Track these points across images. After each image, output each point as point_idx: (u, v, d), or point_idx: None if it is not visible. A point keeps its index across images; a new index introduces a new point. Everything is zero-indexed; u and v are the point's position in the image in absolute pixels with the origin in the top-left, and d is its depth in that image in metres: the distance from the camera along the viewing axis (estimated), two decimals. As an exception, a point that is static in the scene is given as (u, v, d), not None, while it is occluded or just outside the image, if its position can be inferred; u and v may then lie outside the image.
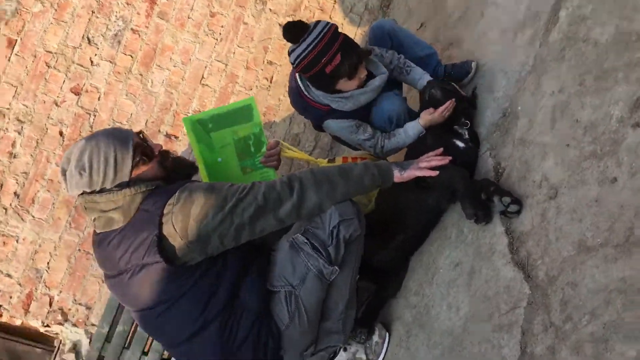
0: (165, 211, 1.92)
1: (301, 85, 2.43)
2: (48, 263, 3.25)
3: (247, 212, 1.94)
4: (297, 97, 2.50)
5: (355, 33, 3.98)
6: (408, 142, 2.41)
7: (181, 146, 3.47)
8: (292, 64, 2.34)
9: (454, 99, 2.29)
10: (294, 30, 2.28)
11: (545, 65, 2.12)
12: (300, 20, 2.30)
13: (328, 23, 2.30)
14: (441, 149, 2.17)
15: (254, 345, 2.01)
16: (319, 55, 2.25)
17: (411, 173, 2.15)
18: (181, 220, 1.91)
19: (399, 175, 2.15)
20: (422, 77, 2.48)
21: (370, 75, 2.42)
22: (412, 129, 2.39)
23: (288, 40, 2.31)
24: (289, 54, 2.34)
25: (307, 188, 2.02)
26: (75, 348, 3.26)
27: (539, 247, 1.76)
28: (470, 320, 1.90)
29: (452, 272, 2.10)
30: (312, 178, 2.04)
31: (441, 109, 2.29)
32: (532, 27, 2.29)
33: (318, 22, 2.31)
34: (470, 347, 1.84)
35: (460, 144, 2.27)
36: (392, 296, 2.40)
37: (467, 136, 2.29)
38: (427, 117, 2.33)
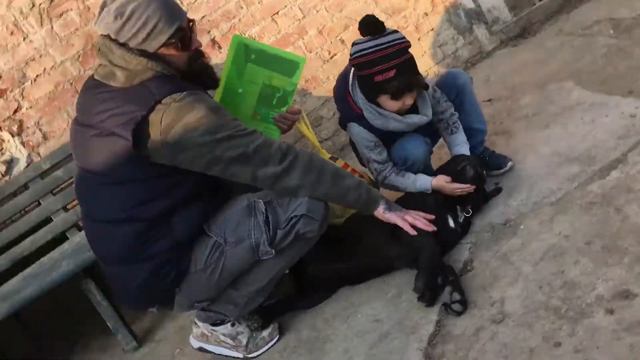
0: (164, 101, 1.85)
1: (350, 78, 2.36)
2: (37, 76, 3.16)
3: (231, 152, 1.88)
4: (341, 85, 2.42)
5: (431, 67, 3.91)
6: (409, 190, 2.35)
7: (217, 59, 3.39)
8: (350, 55, 2.27)
9: (474, 187, 2.23)
10: (370, 26, 2.21)
11: (568, 206, 2.07)
12: (380, 20, 2.22)
13: (403, 38, 2.23)
14: (432, 217, 2.11)
15: (157, 267, 1.95)
16: (377, 61, 2.18)
17: (393, 218, 2.09)
18: (171, 119, 1.84)
19: (381, 212, 2.10)
20: (462, 145, 2.41)
21: (414, 110, 2.36)
22: (421, 183, 2.32)
23: (360, 32, 2.24)
24: (353, 44, 2.27)
25: (296, 167, 1.95)
26: (9, 163, 3.19)
27: (455, 355, 1.71)
28: (354, 376, 1.85)
29: (368, 324, 2.05)
30: (307, 162, 1.98)
31: (458, 186, 2.23)
32: (581, 167, 2.24)
33: (396, 31, 2.24)
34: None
35: (451, 223, 2.22)
36: (303, 308, 2.34)
37: (461, 220, 2.24)
38: (442, 182, 2.27)
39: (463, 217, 2.24)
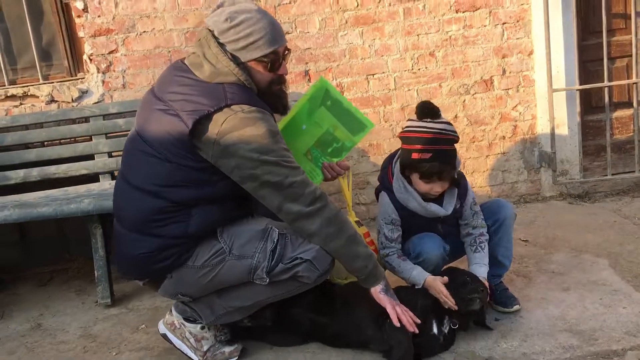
0: (233, 107, 1.98)
1: (398, 154, 2.46)
2: (144, 32, 3.36)
3: (269, 176, 1.98)
4: (391, 156, 2.52)
5: (487, 186, 3.98)
6: (403, 276, 2.42)
7: (301, 89, 3.55)
8: (402, 128, 2.40)
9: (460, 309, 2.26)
10: (426, 109, 2.33)
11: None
12: (436, 107, 2.35)
13: (452, 131, 2.34)
14: (419, 321, 2.15)
15: (162, 246, 2.05)
16: (419, 140, 2.30)
17: (385, 301, 2.15)
18: (232, 125, 1.96)
19: (377, 290, 2.16)
20: (482, 266, 2.43)
21: (439, 200, 2.43)
22: (417, 274, 2.37)
23: (417, 112, 2.36)
24: (407, 120, 2.40)
25: (320, 215, 2.04)
26: (83, 93, 3.38)
27: None
28: None
29: (321, 388, 2.08)
30: (332, 216, 2.06)
31: (446, 295, 2.26)
32: (579, 342, 2.25)
33: (449, 123, 2.36)
34: None
35: (435, 330, 2.24)
36: (272, 343, 2.38)
37: (446, 330, 2.26)
38: (434, 286, 2.30)
39: (448, 328, 2.26)
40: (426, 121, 2.32)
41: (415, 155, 2.32)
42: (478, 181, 3.95)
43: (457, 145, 2.38)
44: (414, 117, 2.37)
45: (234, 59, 2.05)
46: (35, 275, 3.41)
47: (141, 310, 2.84)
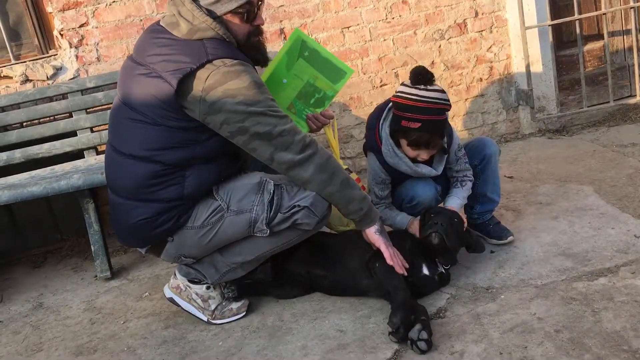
0: (215, 62, 1.97)
1: (385, 112, 2.48)
2: (114, 2, 3.29)
3: (258, 127, 1.99)
4: (376, 115, 2.53)
5: (468, 128, 4.03)
6: (390, 223, 2.50)
7: (275, 46, 3.52)
8: (395, 92, 2.40)
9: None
10: (420, 76, 2.32)
11: (550, 293, 2.16)
12: (430, 74, 2.33)
13: (445, 100, 2.34)
14: (407, 266, 2.20)
15: (160, 211, 2.06)
16: (409, 108, 2.30)
17: (379, 242, 2.19)
18: (216, 80, 1.95)
19: (372, 231, 2.20)
20: (454, 199, 2.50)
21: (430, 162, 2.48)
22: (401, 218, 2.47)
23: (410, 78, 2.35)
24: (401, 84, 2.39)
25: (312, 162, 2.06)
26: (58, 70, 3.32)
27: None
28: (304, 370, 1.93)
29: (331, 331, 2.13)
30: (324, 161, 2.08)
31: (417, 232, 2.36)
32: (574, 264, 2.34)
33: (443, 91, 2.35)
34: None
35: (425, 271, 2.28)
36: (277, 297, 2.43)
37: (440, 270, 2.31)
38: (412, 227, 2.42)
39: (441, 270, 2.31)
40: (419, 88, 2.31)
41: (404, 123, 2.33)
42: (458, 125, 4.00)
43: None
44: (408, 81, 2.36)
45: (210, 13, 2.03)
46: (28, 257, 3.39)
47: (142, 280, 2.86)
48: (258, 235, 2.13)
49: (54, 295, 2.86)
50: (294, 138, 2.05)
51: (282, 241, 2.19)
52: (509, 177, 3.41)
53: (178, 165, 2.06)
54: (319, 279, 2.40)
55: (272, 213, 2.09)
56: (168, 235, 2.14)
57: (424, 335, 1.93)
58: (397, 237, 2.35)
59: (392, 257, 2.16)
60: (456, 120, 4.00)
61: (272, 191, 2.10)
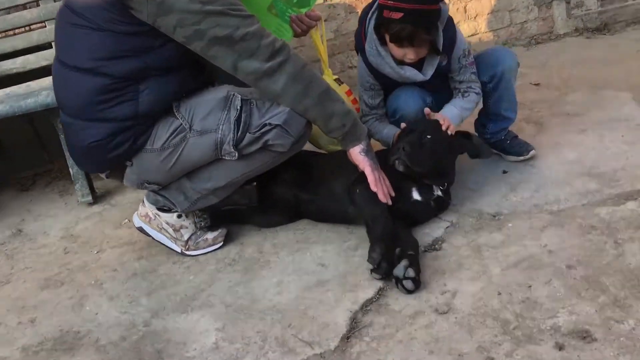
0: None
1: (375, 5, 2.10)
2: None
3: (216, 30, 1.67)
4: (369, 7, 2.16)
5: (493, 29, 3.58)
6: (378, 138, 2.21)
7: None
8: None
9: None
10: None
11: (567, 221, 1.86)
12: None
13: None
14: (393, 194, 1.91)
15: (112, 132, 1.80)
16: None
17: (364, 163, 1.90)
18: None
19: (357, 151, 1.90)
20: (451, 108, 2.14)
21: (418, 64, 2.11)
22: (388, 131, 2.17)
23: None
24: None
25: (283, 71, 1.74)
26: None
27: (382, 330, 1.55)
28: (274, 310, 1.70)
29: (312, 265, 1.90)
30: (297, 70, 1.76)
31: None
32: (599, 186, 2.02)
33: None
34: (251, 325, 1.66)
35: (416, 196, 1.98)
36: (258, 225, 2.19)
37: (436, 194, 2.00)
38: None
39: (437, 194, 2.00)
40: None
41: (386, 13, 1.96)
42: (482, 26, 3.55)
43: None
44: None
45: None
46: (16, 181, 3.23)
47: (124, 205, 2.65)
48: (227, 158, 1.86)
49: (35, 222, 2.69)
50: (260, 42, 1.72)
51: (255, 165, 1.92)
52: (535, 84, 3.01)
53: (130, 78, 1.77)
54: (305, 204, 2.13)
55: (240, 133, 1.81)
56: (126, 160, 1.88)
57: (411, 273, 1.67)
58: (384, 156, 2.04)
59: (376, 182, 1.86)
60: (479, 20, 3.54)
61: (239, 107, 1.81)
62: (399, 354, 1.46)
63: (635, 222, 1.79)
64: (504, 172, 2.22)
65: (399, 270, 1.69)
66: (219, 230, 2.12)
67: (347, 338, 1.55)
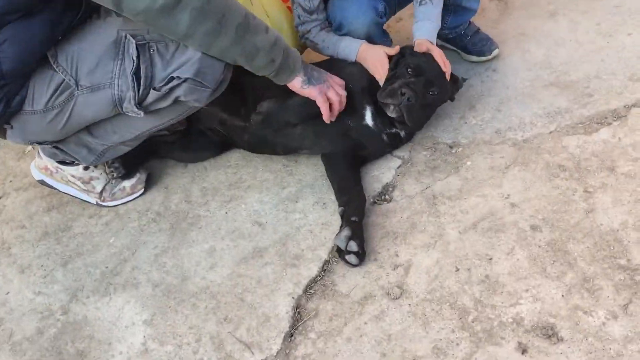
0: None
1: None
2: None
3: None
4: None
5: None
6: (329, 54, 1.80)
7: None
8: None
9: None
10: None
11: (532, 158, 1.64)
12: None
13: None
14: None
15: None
16: None
17: (313, 93, 1.58)
18: None
19: (297, 86, 1.58)
20: (425, 24, 1.74)
21: None
22: (345, 48, 1.76)
23: None
24: None
25: (184, 6, 1.30)
26: None
27: (329, 322, 1.39)
28: (207, 294, 1.51)
29: (248, 226, 1.66)
30: (204, 2, 1.34)
31: (383, 74, 1.69)
32: (569, 103, 1.76)
33: None
34: (182, 318, 1.48)
35: (368, 121, 1.70)
36: (184, 160, 1.90)
37: (393, 131, 1.72)
38: (370, 58, 1.72)
39: (396, 131, 1.71)
40: None
41: None
42: None
43: None
44: None
45: None
46: None
47: (27, 123, 2.26)
48: (131, 115, 1.50)
49: None
50: None
51: (168, 117, 1.57)
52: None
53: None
54: (237, 132, 1.83)
55: (141, 89, 1.43)
56: (3, 124, 1.51)
57: (354, 246, 1.47)
58: (336, 67, 1.71)
59: (333, 98, 1.59)
60: None
61: (135, 58, 1.40)
62: (348, 357, 1.33)
63: (607, 159, 1.58)
64: (464, 79, 1.91)
65: (340, 241, 1.48)
66: (137, 176, 1.82)
67: (290, 335, 1.39)
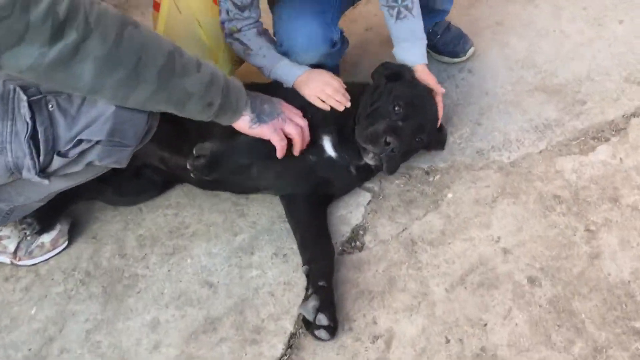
0: None
1: None
2: None
3: None
4: None
5: None
6: (258, 65, 1.49)
7: None
8: None
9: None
10: None
11: (522, 188, 1.42)
12: None
13: None
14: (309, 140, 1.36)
15: None
16: None
17: (265, 132, 1.29)
18: None
19: (245, 127, 1.28)
20: (410, 46, 1.44)
21: None
22: (285, 69, 1.45)
23: None
24: None
25: (87, 54, 0.97)
26: None
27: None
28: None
29: (194, 283, 1.40)
30: (111, 43, 0.99)
31: (334, 98, 1.41)
32: (559, 114, 1.53)
33: None
34: None
35: (330, 152, 1.41)
36: (116, 204, 1.60)
37: (363, 163, 1.40)
38: (310, 89, 1.42)
39: (366, 163, 1.39)
40: None
41: None
42: None
43: None
44: None
45: None
46: None
47: None
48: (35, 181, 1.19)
49: None
50: (30, 16, 0.93)
51: (83, 178, 1.27)
52: None
53: None
54: (182, 169, 1.52)
55: (42, 157, 1.12)
56: None
57: (323, 320, 1.23)
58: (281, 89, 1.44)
59: (291, 133, 1.31)
60: None
61: (29, 119, 1.08)
62: None
63: (609, 187, 1.37)
64: (440, 83, 1.62)
65: (307, 312, 1.24)
66: (58, 228, 1.52)
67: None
